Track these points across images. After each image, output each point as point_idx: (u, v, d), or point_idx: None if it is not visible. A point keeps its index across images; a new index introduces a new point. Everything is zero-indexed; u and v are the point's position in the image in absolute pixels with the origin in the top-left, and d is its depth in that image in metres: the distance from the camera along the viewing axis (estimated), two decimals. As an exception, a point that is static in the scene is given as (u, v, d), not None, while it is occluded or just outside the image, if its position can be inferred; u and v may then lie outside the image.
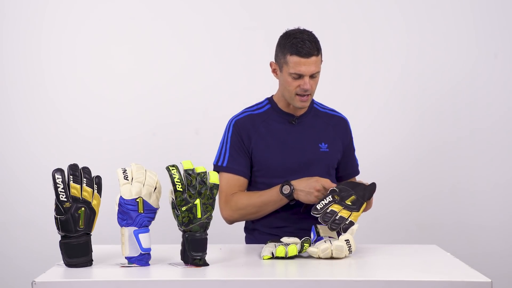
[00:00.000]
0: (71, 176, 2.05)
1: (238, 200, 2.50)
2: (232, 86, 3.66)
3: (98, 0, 3.63)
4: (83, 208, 2.05)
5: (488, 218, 3.70)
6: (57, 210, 2.03)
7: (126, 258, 2.07)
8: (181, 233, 2.07)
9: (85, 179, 2.07)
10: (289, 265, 2.11)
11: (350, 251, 2.19)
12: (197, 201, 2.05)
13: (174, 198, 2.04)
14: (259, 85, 3.61)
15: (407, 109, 3.69)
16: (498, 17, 3.68)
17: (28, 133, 3.63)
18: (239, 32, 3.67)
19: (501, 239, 3.70)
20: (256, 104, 2.65)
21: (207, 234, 2.07)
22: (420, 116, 3.69)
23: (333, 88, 3.48)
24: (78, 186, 2.05)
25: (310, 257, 2.19)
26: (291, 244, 2.18)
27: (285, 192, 2.41)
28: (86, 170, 2.08)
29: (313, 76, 2.47)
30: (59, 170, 2.04)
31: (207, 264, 2.07)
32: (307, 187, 2.37)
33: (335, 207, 2.25)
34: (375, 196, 2.39)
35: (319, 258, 2.17)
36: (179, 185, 2.03)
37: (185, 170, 2.05)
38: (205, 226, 2.06)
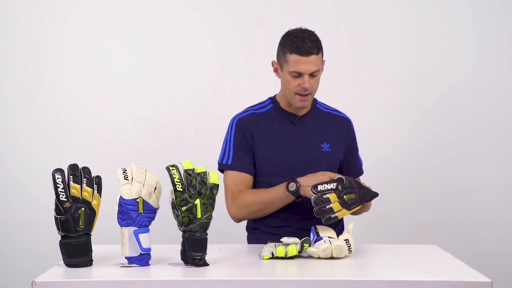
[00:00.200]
0: (71, 176, 2.05)
1: (244, 198, 2.50)
2: (232, 86, 3.66)
3: (98, 0, 3.64)
4: (83, 208, 2.05)
5: (488, 218, 3.70)
6: (57, 210, 2.03)
7: (126, 258, 2.07)
8: (181, 233, 2.07)
9: (85, 179, 2.07)
10: (289, 265, 2.11)
11: (350, 250, 2.19)
12: (197, 201, 2.05)
13: (174, 198, 2.04)
14: (259, 85, 3.62)
15: (407, 109, 3.69)
16: (498, 17, 3.68)
17: (28, 133, 3.63)
18: (239, 32, 3.67)
19: (501, 239, 3.70)
20: (259, 103, 2.66)
21: (207, 234, 2.07)
22: (420, 116, 3.69)
23: (333, 88, 3.48)
24: (78, 186, 2.05)
25: (310, 257, 2.20)
26: (291, 244, 2.18)
27: (291, 189, 2.39)
28: (86, 170, 2.08)
29: (313, 75, 2.48)
30: (59, 170, 2.04)
31: (207, 264, 2.07)
32: (314, 182, 2.34)
33: (332, 197, 2.25)
34: (375, 196, 2.39)
35: (319, 258, 2.17)
36: (179, 185, 2.03)
37: (185, 170, 2.05)
38: (205, 226, 2.06)
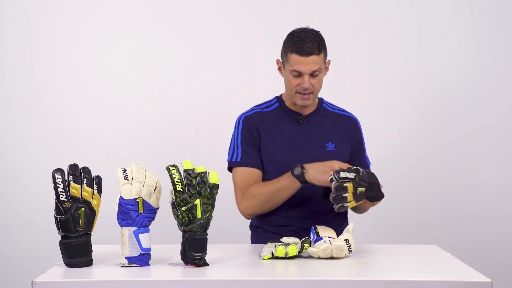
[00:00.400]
0: (71, 176, 2.05)
1: (252, 190, 2.50)
2: (232, 86, 3.67)
3: (97, 0, 3.64)
4: (83, 208, 2.05)
5: (488, 218, 3.70)
6: (57, 210, 2.03)
7: (126, 258, 2.07)
8: (181, 233, 2.07)
9: (85, 179, 2.07)
10: (289, 265, 2.11)
11: (350, 250, 2.19)
12: (197, 201, 2.05)
13: (174, 198, 2.04)
14: (259, 85, 3.62)
15: (407, 109, 3.70)
16: (498, 17, 3.68)
17: (28, 133, 3.63)
18: (239, 32, 3.67)
19: (501, 239, 3.70)
20: (265, 102, 2.67)
21: (207, 234, 2.07)
22: (420, 116, 3.69)
23: (333, 88, 3.47)
24: (78, 186, 2.05)
25: (310, 257, 2.20)
26: (291, 244, 2.18)
27: (296, 173, 2.38)
28: (86, 170, 2.08)
29: (314, 75, 2.49)
30: (59, 170, 2.04)
31: (207, 264, 2.07)
32: (321, 167, 2.34)
33: (349, 186, 2.24)
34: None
35: (319, 258, 2.17)
36: (179, 185, 2.03)
37: (185, 170, 2.05)
38: (205, 226, 2.06)
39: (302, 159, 2.52)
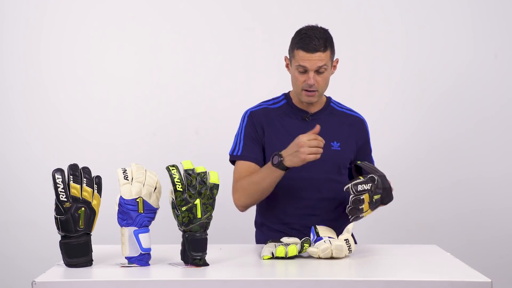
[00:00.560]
0: (71, 176, 2.05)
1: (242, 182, 2.52)
2: (232, 86, 3.66)
3: (97, 0, 3.64)
4: (83, 208, 2.05)
5: (488, 218, 3.70)
6: (57, 210, 2.03)
7: (126, 258, 2.07)
8: (181, 233, 2.07)
9: (85, 179, 2.07)
10: (289, 265, 2.11)
11: (350, 250, 2.20)
12: (197, 201, 2.05)
13: (174, 198, 2.04)
14: (259, 85, 3.62)
15: (407, 110, 3.70)
16: (498, 17, 3.68)
17: (28, 133, 3.63)
18: (239, 32, 3.67)
19: (501, 239, 3.70)
20: (273, 99, 2.68)
21: (207, 234, 2.07)
22: (420, 116, 3.69)
23: (332, 88, 3.48)
24: (78, 186, 2.05)
25: (310, 257, 2.20)
26: (291, 244, 2.18)
27: (274, 163, 2.39)
28: (86, 170, 2.08)
29: (320, 72, 2.50)
30: (59, 170, 2.04)
31: (207, 264, 2.07)
32: (292, 149, 2.36)
33: (366, 197, 2.26)
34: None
35: (319, 258, 2.17)
36: (179, 185, 2.03)
37: (185, 170, 2.05)
38: (205, 226, 2.06)
39: None
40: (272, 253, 2.17)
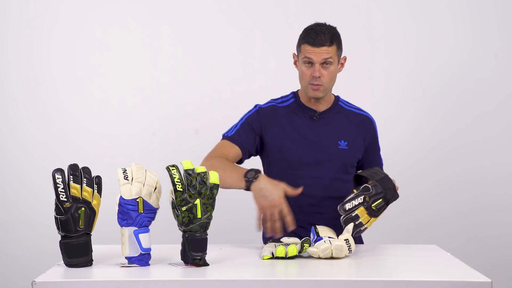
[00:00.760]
0: (71, 176, 2.05)
1: (215, 161, 2.48)
2: (232, 86, 3.66)
3: (98, 0, 3.64)
4: (83, 208, 2.05)
5: (488, 218, 3.70)
6: (57, 210, 2.03)
7: (126, 258, 2.07)
8: (181, 233, 2.07)
9: (85, 179, 2.07)
10: (289, 265, 2.11)
11: (350, 250, 2.20)
12: (197, 201, 2.05)
13: (174, 198, 2.04)
14: (259, 85, 3.62)
15: (407, 110, 3.70)
16: (497, 17, 3.68)
17: (30, 133, 3.64)
18: (238, 32, 3.67)
19: (501, 239, 3.70)
20: (282, 97, 2.71)
21: (207, 234, 2.07)
22: (420, 116, 3.69)
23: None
24: (78, 186, 2.05)
25: (310, 257, 2.20)
26: (291, 244, 2.18)
27: (247, 176, 2.36)
28: (86, 170, 2.08)
29: (326, 64, 2.52)
30: (59, 170, 2.04)
31: (207, 264, 2.07)
32: (267, 188, 2.31)
33: (360, 211, 2.25)
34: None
35: (319, 258, 2.17)
36: (179, 185, 2.03)
37: (185, 170, 2.05)
38: (205, 226, 2.06)
39: (313, 155, 2.55)
40: (272, 253, 2.17)
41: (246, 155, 2.61)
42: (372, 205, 2.26)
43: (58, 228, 2.04)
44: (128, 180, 2.06)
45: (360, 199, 2.26)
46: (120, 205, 2.05)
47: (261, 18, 3.68)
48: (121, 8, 3.64)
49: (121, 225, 2.06)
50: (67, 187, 2.04)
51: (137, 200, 2.05)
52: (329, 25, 2.58)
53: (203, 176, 2.07)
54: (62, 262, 2.06)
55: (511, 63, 3.69)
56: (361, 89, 3.68)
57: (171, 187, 2.04)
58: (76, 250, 2.04)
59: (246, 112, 2.67)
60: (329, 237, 2.22)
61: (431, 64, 3.68)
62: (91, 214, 2.06)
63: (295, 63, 2.65)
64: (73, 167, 2.06)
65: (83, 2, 3.63)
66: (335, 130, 2.61)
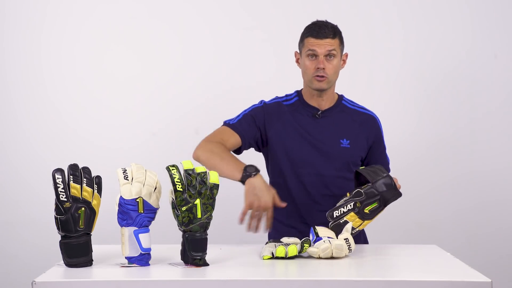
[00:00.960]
0: (71, 176, 2.05)
1: (214, 146, 2.49)
2: (232, 85, 3.67)
3: (98, 0, 3.64)
4: (83, 208, 2.05)
5: (488, 218, 3.70)
6: (57, 210, 2.03)
7: (126, 258, 2.07)
8: (181, 233, 2.07)
9: (85, 179, 2.07)
10: (289, 265, 2.11)
11: (350, 250, 2.20)
12: (197, 201, 2.05)
13: (174, 198, 2.04)
14: (259, 84, 3.62)
15: (406, 109, 3.70)
16: (498, 17, 3.68)
17: (31, 133, 3.64)
18: (239, 32, 3.67)
19: (501, 239, 3.70)
20: (286, 95, 2.72)
21: (207, 234, 2.07)
22: (419, 116, 3.69)
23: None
24: (78, 186, 2.05)
25: (310, 257, 2.20)
26: (291, 244, 2.18)
27: (246, 170, 2.36)
28: (86, 170, 2.08)
29: (329, 58, 2.54)
30: (59, 170, 2.04)
31: (207, 264, 2.07)
32: (261, 187, 2.32)
33: (350, 217, 2.25)
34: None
35: (319, 258, 2.17)
36: (179, 185, 2.03)
37: (185, 170, 2.05)
38: (205, 226, 2.06)
39: (315, 154, 2.56)
40: (272, 253, 2.17)
41: (246, 145, 2.61)
42: (365, 209, 2.26)
43: (58, 228, 2.04)
44: (128, 180, 2.06)
45: (350, 206, 2.26)
46: (120, 205, 2.05)
47: (261, 18, 3.68)
48: (121, 8, 3.64)
49: (121, 225, 2.06)
50: (67, 187, 2.04)
51: (137, 200, 2.05)
52: (330, 23, 2.61)
53: (203, 176, 2.07)
54: (62, 262, 2.06)
55: (511, 63, 3.69)
56: (360, 89, 3.67)
57: (171, 187, 2.04)
58: (76, 250, 2.04)
59: (251, 105, 2.68)
60: (328, 237, 2.22)
61: (430, 64, 3.68)
62: (91, 214, 2.06)
63: (297, 61, 2.65)
64: (73, 167, 2.06)
65: (83, 2, 3.63)
66: (337, 129, 2.62)
